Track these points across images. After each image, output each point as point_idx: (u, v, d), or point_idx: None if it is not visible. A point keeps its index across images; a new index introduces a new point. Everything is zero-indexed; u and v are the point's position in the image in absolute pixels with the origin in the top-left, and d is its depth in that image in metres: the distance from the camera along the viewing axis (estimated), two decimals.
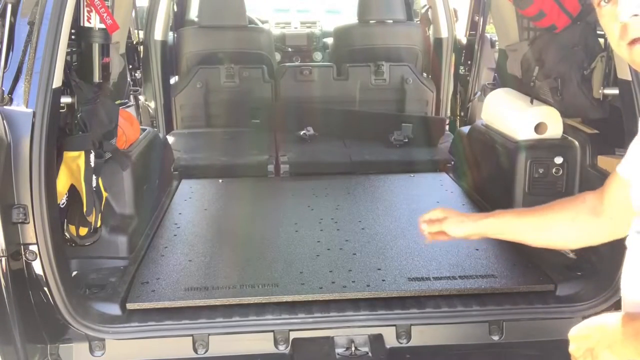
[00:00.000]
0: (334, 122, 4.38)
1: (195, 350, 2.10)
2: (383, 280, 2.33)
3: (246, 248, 2.65)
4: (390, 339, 2.14)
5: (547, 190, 2.71)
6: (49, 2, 1.98)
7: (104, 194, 2.41)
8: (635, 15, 1.17)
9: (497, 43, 3.99)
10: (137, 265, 2.45)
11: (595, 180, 2.46)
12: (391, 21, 4.83)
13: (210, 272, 2.40)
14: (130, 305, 2.17)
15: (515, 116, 2.92)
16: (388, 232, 2.81)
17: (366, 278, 2.35)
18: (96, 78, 2.55)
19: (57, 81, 2.01)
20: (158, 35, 4.50)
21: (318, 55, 5.88)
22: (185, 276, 2.37)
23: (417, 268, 2.43)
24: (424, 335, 2.16)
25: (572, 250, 2.45)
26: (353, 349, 2.09)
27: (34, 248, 1.94)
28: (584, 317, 2.07)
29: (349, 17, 5.66)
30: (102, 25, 2.46)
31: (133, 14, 3.92)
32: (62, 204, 2.26)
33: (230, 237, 2.79)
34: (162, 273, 2.38)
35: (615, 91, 2.46)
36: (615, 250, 1.56)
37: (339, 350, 2.09)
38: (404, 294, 2.26)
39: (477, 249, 2.58)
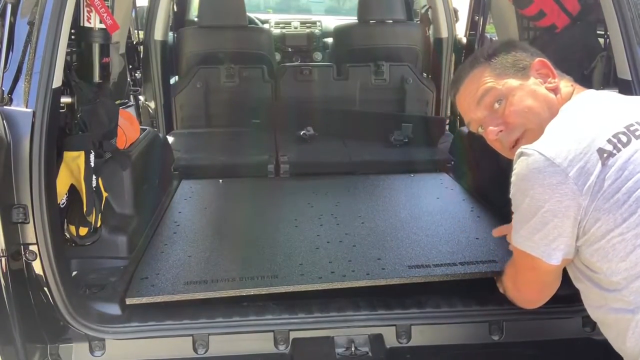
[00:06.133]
0: (334, 122, 4.37)
1: (195, 350, 2.10)
2: (383, 269, 2.33)
3: (246, 243, 2.65)
4: (390, 339, 2.13)
5: None
6: (49, 2, 1.98)
7: (104, 194, 2.41)
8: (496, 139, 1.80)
9: None
10: (136, 262, 2.45)
11: None
12: (391, 21, 4.83)
13: (209, 266, 2.40)
14: (129, 300, 2.17)
15: None
16: (388, 225, 2.82)
17: (366, 267, 2.35)
18: (96, 78, 2.55)
19: (57, 81, 2.01)
20: (158, 35, 4.49)
21: (318, 55, 5.88)
22: (184, 271, 2.37)
23: (417, 257, 2.44)
24: (424, 335, 2.16)
25: None
26: (353, 348, 2.09)
27: (34, 248, 1.94)
28: (584, 317, 2.09)
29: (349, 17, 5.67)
30: (102, 25, 2.46)
31: (133, 14, 3.91)
32: (62, 204, 2.26)
33: (229, 234, 2.80)
34: (162, 269, 2.38)
35: (615, 91, 2.46)
36: None
37: (338, 350, 2.09)
38: (404, 280, 2.26)
39: (478, 238, 2.61)
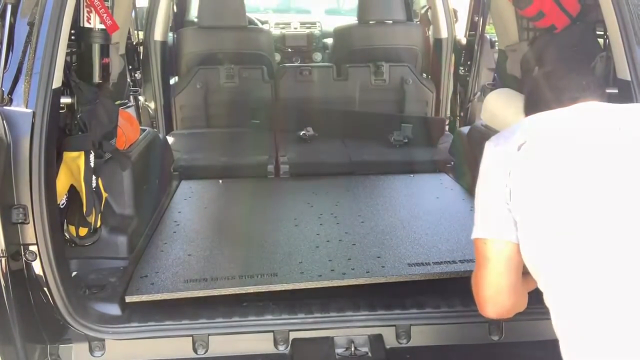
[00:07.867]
0: (334, 123, 4.38)
1: (195, 351, 2.10)
2: (382, 267, 2.35)
3: (245, 242, 2.66)
4: (390, 339, 2.14)
5: None
6: (49, 3, 1.98)
7: (104, 194, 2.41)
8: None
9: (496, 43, 4.00)
10: (136, 261, 2.45)
11: None
12: (391, 21, 4.83)
13: (209, 265, 2.41)
14: (129, 298, 2.17)
15: (514, 117, 2.92)
16: (387, 224, 2.83)
17: (365, 265, 2.36)
18: (96, 78, 2.55)
19: (57, 81, 2.02)
20: (158, 35, 4.50)
21: (318, 56, 5.89)
22: (184, 269, 2.38)
23: (417, 255, 2.45)
24: (423, 335, 2.16)
25: None
26: (353, 349, 2.09)
27: (33, 248, 1.94)
28: None
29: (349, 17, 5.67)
30: (102, 26, 2.46)
31: (133, 14, 3.92)
32: (62, 204, 2.26)
33: (229, 233, 2.80)
34: (161, 267, 2.39)
35: (615, 91, 2.46)
36: None
37: (338, 351, 2.09)
38: (404, 278, 2.27)
39: None
